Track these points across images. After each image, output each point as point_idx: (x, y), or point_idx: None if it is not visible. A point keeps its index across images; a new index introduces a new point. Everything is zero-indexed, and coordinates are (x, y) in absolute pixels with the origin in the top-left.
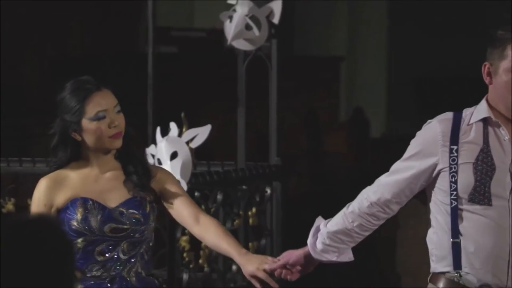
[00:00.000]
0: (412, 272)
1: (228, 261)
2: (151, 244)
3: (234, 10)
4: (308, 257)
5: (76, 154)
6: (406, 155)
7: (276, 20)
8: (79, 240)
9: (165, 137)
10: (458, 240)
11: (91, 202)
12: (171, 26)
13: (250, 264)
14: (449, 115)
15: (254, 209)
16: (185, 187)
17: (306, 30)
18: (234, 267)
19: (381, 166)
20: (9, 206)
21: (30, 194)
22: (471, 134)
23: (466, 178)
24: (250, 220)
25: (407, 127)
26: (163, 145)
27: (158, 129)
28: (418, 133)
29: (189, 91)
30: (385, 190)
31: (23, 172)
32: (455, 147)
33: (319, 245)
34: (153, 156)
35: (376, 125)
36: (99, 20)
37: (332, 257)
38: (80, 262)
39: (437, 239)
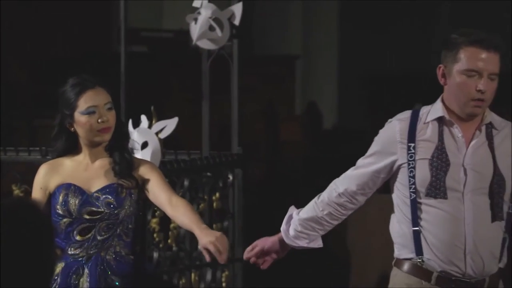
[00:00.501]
0: (360, 252)
1: (194, 240)
2: (130, 226)
3: (199, 13)
4: (281, 242)
5: (73, 144)
6: (369, 152)
7: (237, 21)
8: (63, 221)
9: (136, 129)
10: (418, 230)
11: (72, 187)
12: (141, 27)
13: (205, 237)
14: (407, 114)
15: (217, 194)
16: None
17: (265, 31)
18: (199, 246)
19: (332, 154)
20: None
21: (13, 180)
22: (427, 132)
23: (422, 174)
24: (214, 204)
25: (356, 120)
26: (135, 136)
27: (130, 121)
28: (380, 132)
29: (158, 86)
30: (351, 182)
31: (7, 160)
32: (413, 145)
33: (291, 232)
34: None
35: (328, 118)
36: (74, 22)
37: (303, 243)
38: (63, 242)
39: (399, 228)
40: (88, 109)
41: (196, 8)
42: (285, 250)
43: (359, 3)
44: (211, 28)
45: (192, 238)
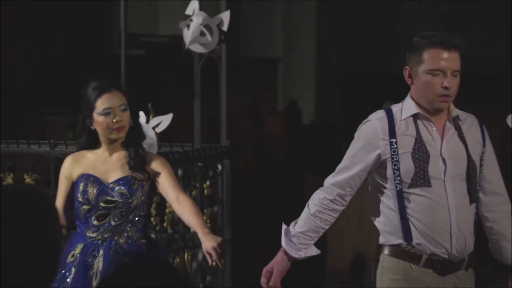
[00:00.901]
0: (336, 234)
1: None
2: (141, 214)
3: (191, 20)
4: (288, 258)
5: (93, 140)
6: (351, 152)
7: (225, 28)
8: (82, 208)
9: None
10: (406, 218)
11: (92, 178)
12: (139, 32)
13: (208, 242)
14: (382, 113)
15: (208, 182)
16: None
17: (250, 36)
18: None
19: (310, 146)
20: (9, 180)
21: (25, 170)
22: (405, 128)
23: (406, 166)
24: (205, 191)
25: (331, 115)
26: None
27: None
28: (360, 131)
29: (154, 86)
30: (341, 187)
31: (20, 152)
32: (394, 140)
33: (293, 246)
34: None
35: (307, 114)
36: (78, 26)
37: (302, 254)
38: (82, 225)
39: (385, 218)
40: (104, 110)
41: (189, 16)
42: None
43: (334, 10)
44: (202, 34)
45: None
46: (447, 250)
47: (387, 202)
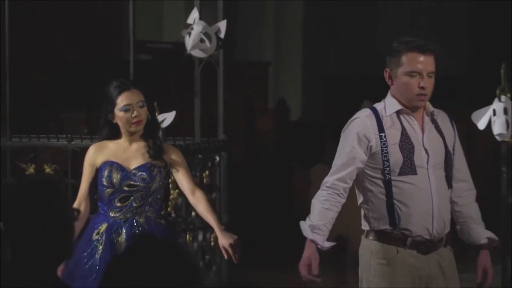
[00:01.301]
0: None
1: (189, 208)
2: (159, 197)
3: (192, 28)
4: (318, 250)
5: (115, 132)
6: (346, 149)
7: (222, 35)
8: (107, 191)
9: None
10: (393, 204)
11: (115, 165)
12: (146, 39)
13: (225, 239)
14: (368, 111)
15: (207, 172)
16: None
17: (244, 42)
18: (193, 213)
19: (297, 141)
20: (31, 170)
21: (45, 162)
22: (391, 123)
23: (395, 156)
24: (204, 180)
25: (316, 113)
26: None
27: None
28: (350, 128)
29: (159, 87)
30: (344, 182)
31: (40, 145)
32: (383, 134)
33: (320, 238)
34: None
35: (294, 112)
36: (92, 34)
37: (326, 244)
38: (105, 207)
39: (373, 205)
40: (124, 106)
41: (190, 25)
42: None
43: (319, 17)
44: (201, 41)
45: (187, 206)
46: (429, 232)
47: (375, 190)
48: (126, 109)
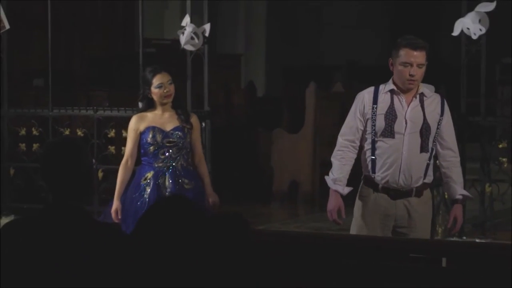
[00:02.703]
0: (278, 168)
1: None
2: (188, 150)
3: (185, 29)
4: (341, 197)
5: (152, 104)
6: (350, 114)
7: (207, 34)
8: (151, 148)
9: None
10: (374, 157)
11: (157, 128)
12: (151, 37)
13: (210, 197)
14: (371, 88)
15: None
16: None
17: (222, 39)
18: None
19: (262, 111)
20: (66, 132)
21: (77, 126)
22: (384, 98)
23: (380, 123)
24: None
25: (276, 92)
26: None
27: None
28: (355, 101)
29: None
30: (350, 138)
31: (74, 114)
32: (376, 106)
33: (341, 187)
34: None
35: (260, 90)
36: (111, 33)
37: (346, 190)
38: (151, 159)
39: (363, 157)
40: (158, 85)
41: (183, 26)
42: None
43: (279, 17)
44: (192, 38)
45: None
46: (396, 182)
47: (365, 147)
48: (159, 86)
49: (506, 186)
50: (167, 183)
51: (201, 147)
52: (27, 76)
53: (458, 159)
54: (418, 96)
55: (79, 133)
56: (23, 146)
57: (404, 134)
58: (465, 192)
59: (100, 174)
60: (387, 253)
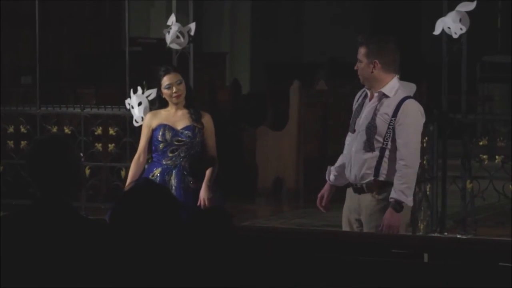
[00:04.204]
0: (262, 165)
1: None
2: (198, 149)
3: (171, 28)
4: (332, 188)
5: (165, 104)
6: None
7: (192, 33)
8: (161, 145)
9: (135, 94)
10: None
11: (168, 126)
12: (138, 36)
13: (205, 192)
14: (363, 88)
15: None
16: (144, 121)
17: (208, 37)
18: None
19: (246, 108)
20: (54, 129)
21: (65, 124)
22: (361, 95)
23: (352, 120)
24: None
25: (260, 89)
26: (134, 98)
27: (132, 90)
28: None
29: (147, 70)
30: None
31: (61, 112)
32: (356, 103)
33: (332, 177)
34: (128, 103)
35: (244, 88)
36: (98, 31)
37: (338, 183)
38: (160, 156)
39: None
40: (166, 85)
41: (169, 25)
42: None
43: (262, 17)
44: (177, 37)
45: None
46: (349, 177)
47: None
48: (168, 87)
49: (486, 183)
50: (173, 181)
51: (214, 147)
52: (15, 74)
53: (403, 163)
54: (377, 94)
55: (67, 130)
56: (11, 143)
57: (358, 131)
58: (396, 196)
59: (87, 171)
60: (369, 249)
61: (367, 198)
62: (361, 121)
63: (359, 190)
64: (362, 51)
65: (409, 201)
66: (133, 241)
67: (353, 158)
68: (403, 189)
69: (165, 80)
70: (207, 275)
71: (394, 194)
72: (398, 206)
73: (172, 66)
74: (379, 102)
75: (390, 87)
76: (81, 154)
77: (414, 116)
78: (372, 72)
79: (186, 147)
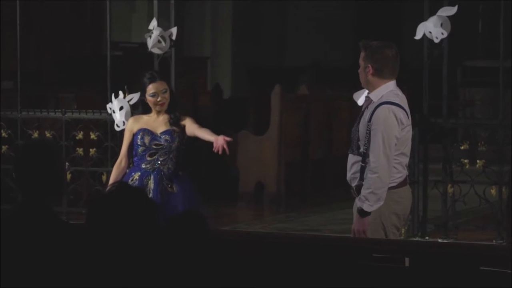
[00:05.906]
0: (244, 168)
1: None
2: (177, 154)
3: (152, 32)
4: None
5: (148, 109)
6: None
7: (173, 37)
8: (140, 149)
9: (116, 98)
10: None
11: (147, 130)
12: (119, 40)
13: (219, 140)
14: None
15: None
16: (126, 125)
17: (189, 42)
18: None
19: (225, 113)
20: (35, 135)
21: (46, 129)
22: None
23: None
24: None
25: (241, 93)
26: (115, 103)
27: (113, 95)
28: None
29: (129, 75)
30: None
31: (42, 116)
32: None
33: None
34: (110, 108)
35: (226, 92)
36: (80, 35)
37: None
38: (139, 160)
39: None
40: (152, 93)
41: (150, 30)
42: None
43: (244, 21)
44: (159, 41)
45: None
46: (347, 176)
47: None
48: (153, 95)
49: (467, 187)
50: (151, 184)
51: (205, 128)
52: None
53: (369, 168)
54: (367, 99)
55: (48, 135)
56: None
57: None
58: (360, 205)
59: (68, 176)
60: (350, 253)
61: (356, 202)
62: (353, 128)
63: (351, 193)
64: (361, 54)
65: (367, 207)
66: (110, 244)
67: (348, 161)
68: (365, 195)
69: (151, 88)
70: (181, 277)
71: (359, 203)
72: (362, 211)
73: (158, 73)
74: (367, 106)
75: (378, 92)
76: (67, 163)
77: (384, 121)
78: (367, 76)
79: (165, 151)
